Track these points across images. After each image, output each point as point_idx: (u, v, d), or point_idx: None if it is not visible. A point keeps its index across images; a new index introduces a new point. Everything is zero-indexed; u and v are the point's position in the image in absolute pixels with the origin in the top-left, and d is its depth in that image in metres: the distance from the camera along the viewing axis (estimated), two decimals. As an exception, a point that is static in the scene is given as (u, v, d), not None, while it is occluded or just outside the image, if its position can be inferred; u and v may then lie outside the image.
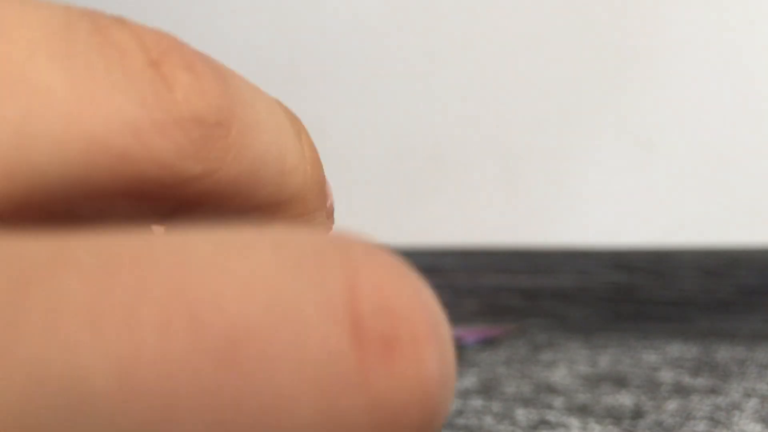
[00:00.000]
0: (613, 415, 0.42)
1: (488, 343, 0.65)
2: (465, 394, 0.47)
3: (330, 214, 0.13)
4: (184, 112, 0.10)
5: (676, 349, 0.61)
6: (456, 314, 0.78)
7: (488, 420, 0.42)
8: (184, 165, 0.10)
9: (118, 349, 0.07)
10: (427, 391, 0.08)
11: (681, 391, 0.48)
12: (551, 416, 0.42)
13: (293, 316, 0.07)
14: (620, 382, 0.50)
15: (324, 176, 0.12)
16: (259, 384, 0.07)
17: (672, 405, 0.44)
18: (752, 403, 0.44)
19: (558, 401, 0.45)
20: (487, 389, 0.49)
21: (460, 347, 0.62)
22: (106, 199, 0.10)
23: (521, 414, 0.43)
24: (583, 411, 0.43)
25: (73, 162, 0.09)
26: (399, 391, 0.08)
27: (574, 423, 0.41)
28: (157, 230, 0.10)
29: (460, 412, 0.43)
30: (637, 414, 0.43)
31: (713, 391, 0.47)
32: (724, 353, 0.59)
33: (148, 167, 0.10)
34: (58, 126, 0.09)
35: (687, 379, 0.50)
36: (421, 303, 0.08)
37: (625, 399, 0.46)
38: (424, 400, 0.08)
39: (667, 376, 0.52)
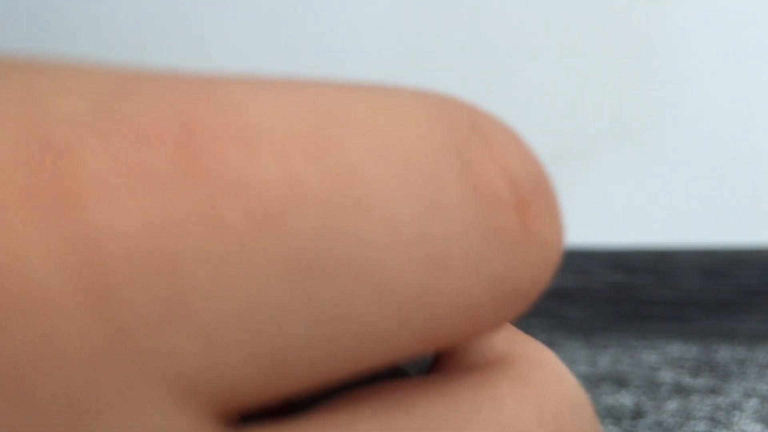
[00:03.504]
0: (613, 415, 0.42)
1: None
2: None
3: None
4: (526, 280, 0.07)
5: (676, 349, 0.61)
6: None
7: (488, 420, 0.42)
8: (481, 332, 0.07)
9: None
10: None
11: (681, 391, 0.48)
12: (551, 416, 0.42)
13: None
14: (620, 382, 0.50)
15: None
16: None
17: (672, 405, 0.44)
18: (752, 403, 0.44)
19: (558, 401, 0.45)
20: (487, 389, 0.49)
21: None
22: None
23: (521, 414, 0.43)
24: (583, 411, 0.43)
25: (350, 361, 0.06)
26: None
27: (574, 423, 0.41)
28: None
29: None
30: (637, 414, 0.42)
31: (713, 391, 0.47)
32: (724, 353, 0.59)
33: (442, 342, 0.07)
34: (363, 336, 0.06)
35: (687, 379, 0.50)
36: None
37: (625, 399, 0.46)
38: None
39: (667, 376, 0.52)
